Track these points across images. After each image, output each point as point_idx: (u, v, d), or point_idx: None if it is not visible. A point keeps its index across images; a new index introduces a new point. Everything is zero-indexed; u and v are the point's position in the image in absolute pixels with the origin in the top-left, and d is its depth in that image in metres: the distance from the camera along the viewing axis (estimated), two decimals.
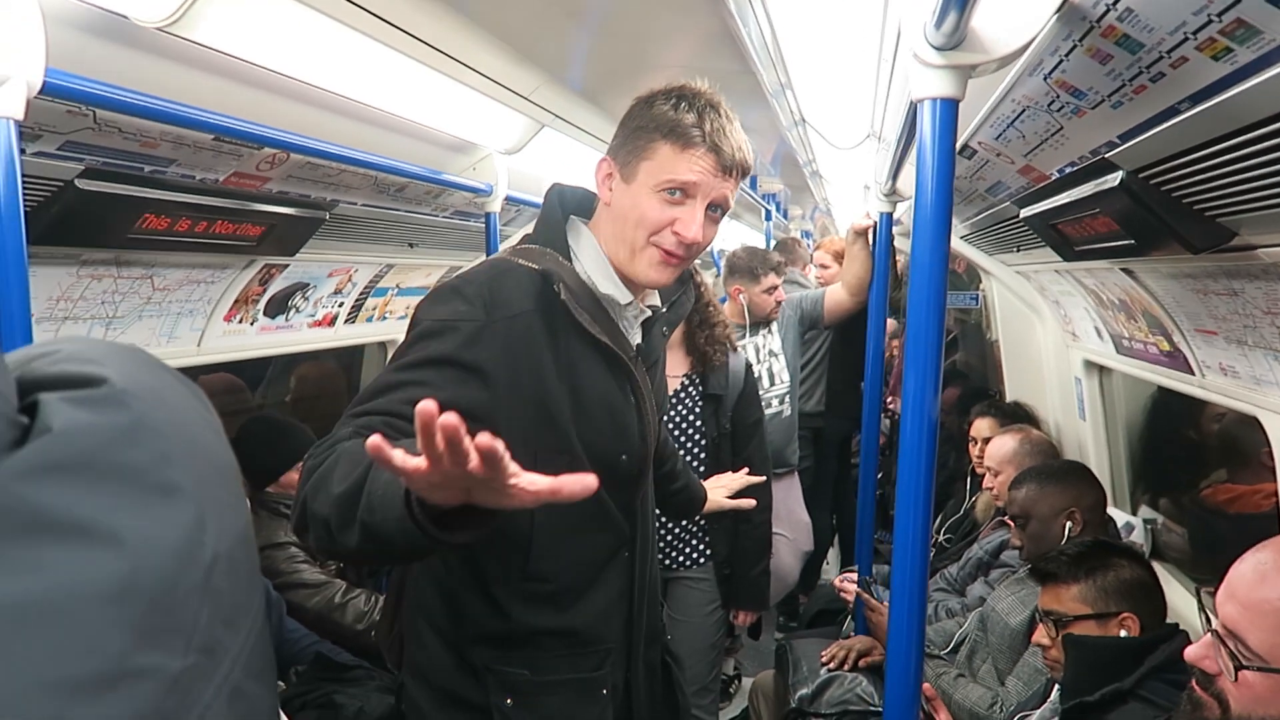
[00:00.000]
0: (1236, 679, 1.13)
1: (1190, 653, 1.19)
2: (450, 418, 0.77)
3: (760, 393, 3.54)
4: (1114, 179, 1.43)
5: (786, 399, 3.56)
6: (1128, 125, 1.23)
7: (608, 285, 1.42)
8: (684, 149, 1.33)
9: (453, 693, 1.44)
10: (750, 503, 2.22)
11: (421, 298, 1.42)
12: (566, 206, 1.49)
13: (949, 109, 1.06)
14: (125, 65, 1.48)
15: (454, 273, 1.41)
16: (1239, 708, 1.13)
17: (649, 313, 1.52)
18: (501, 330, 1.30)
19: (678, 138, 1.33)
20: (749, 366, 2.79)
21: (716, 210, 1.39)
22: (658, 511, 1.82)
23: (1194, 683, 1.21)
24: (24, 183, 1.49)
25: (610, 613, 1.50)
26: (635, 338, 1.51)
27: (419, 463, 0.82)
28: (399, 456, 0.81)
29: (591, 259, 1.43)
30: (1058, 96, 1.29)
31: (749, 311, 3.52)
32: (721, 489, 2.19)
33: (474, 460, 0.81)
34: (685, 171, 1.33)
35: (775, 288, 3.47)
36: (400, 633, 1.55)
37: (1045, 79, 1.25)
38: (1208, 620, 1.18)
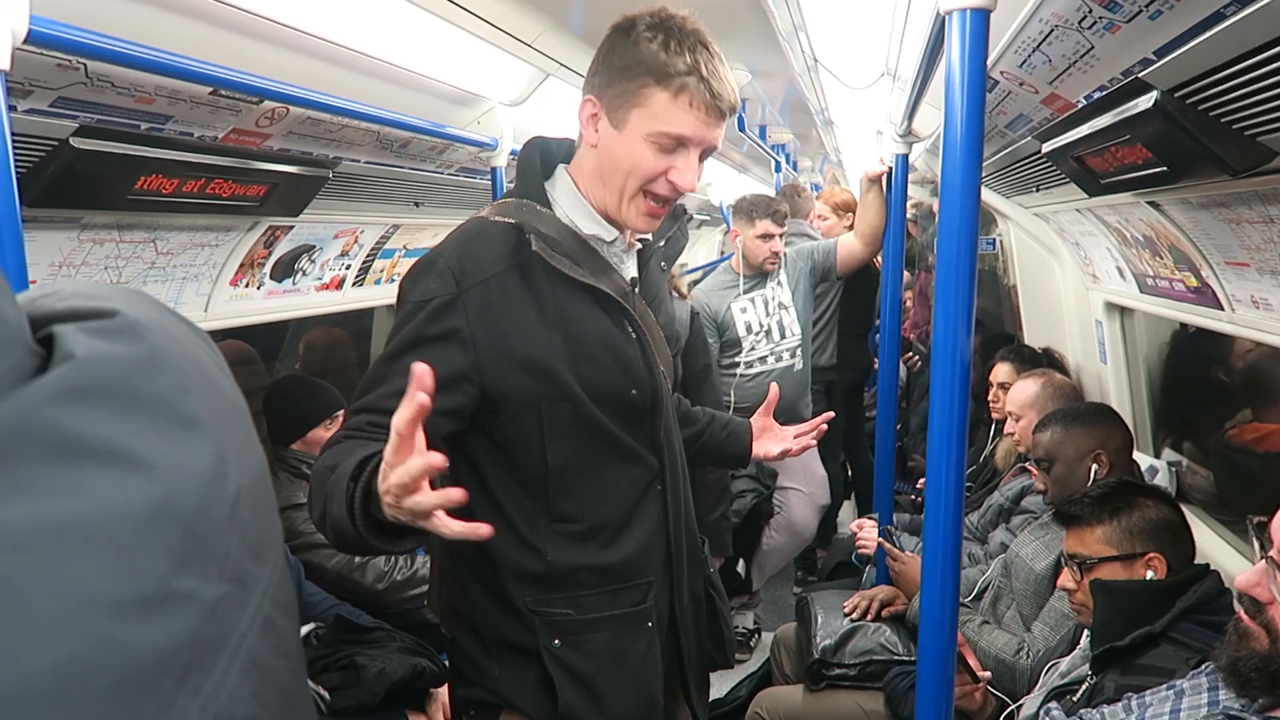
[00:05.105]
0: None
1: (1241, 580, 1.16)
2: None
3: (770, 346, 3.51)
4: (1147, 100, 1.37)
5: (798, 352, 3.51)
6: (1165, 39, 1.17)
7: (591, 225, 1.42)
8: (678, 96, 1.29)
9: (502, 639, 1.44)
10: (818, 428, 1.97)
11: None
12: (549, 159, 1.47)
13: (980, 20, 0.99)
14: (115, 14, 1.43)
15: None
16: None
17: (639, 244, 1.51)
18: (476, 296, 1.33)
19: (671, 84, 1.28)
20: (695, 314, 2.81)
21: (706, 155, 1.38)
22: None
23: (1241, 613, 1.18)
24: (18, 142, 1.45)
25: (649, 546, 1.49)
26: (630, 271, 1.49)
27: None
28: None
29: (570, 202, 1.42)
30: (1090, 11, 1.22)
31: (744, 257, 3.47)
32: (773, 440, 1.95)
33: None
34: (682, 124, 1.30)
35: (771, 236, 3.39)
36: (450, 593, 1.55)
37: None
38: (1262, 548, 1.14)
